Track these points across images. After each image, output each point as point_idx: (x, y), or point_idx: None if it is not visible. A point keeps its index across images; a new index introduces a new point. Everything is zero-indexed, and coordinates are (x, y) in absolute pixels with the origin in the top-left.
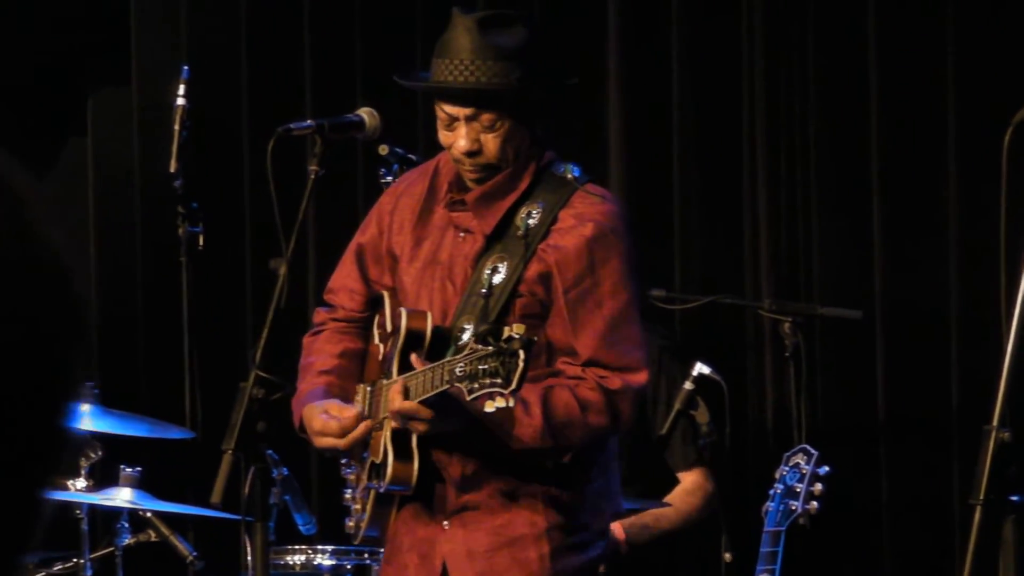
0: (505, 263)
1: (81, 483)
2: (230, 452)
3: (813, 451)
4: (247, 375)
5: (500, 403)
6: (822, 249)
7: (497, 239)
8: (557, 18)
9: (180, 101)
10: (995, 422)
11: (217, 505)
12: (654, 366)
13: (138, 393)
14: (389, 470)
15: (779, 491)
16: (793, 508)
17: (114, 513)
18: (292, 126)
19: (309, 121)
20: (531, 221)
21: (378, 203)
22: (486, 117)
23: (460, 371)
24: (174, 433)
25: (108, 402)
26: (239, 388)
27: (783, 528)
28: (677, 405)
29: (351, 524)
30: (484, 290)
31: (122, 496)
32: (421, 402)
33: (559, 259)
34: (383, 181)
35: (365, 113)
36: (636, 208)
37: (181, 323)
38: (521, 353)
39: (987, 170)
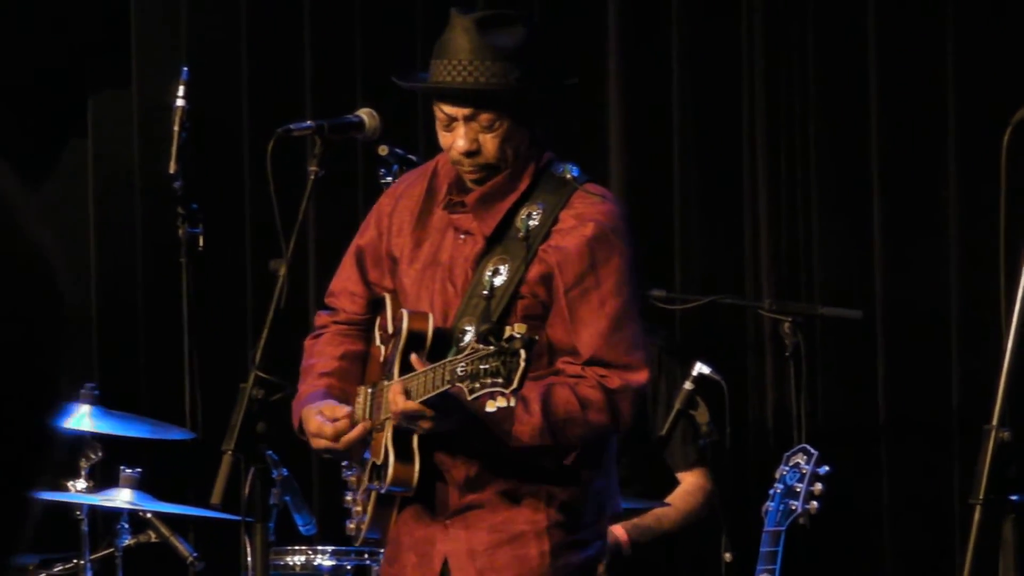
0: (506, 264)
1: (81, 484)
2: (230, 453)
3: (813, 451)
4: (247, 376)
5: (501, 403)
6: (822, 249)
7: (497, 240)
8: (557, 18)
9: (180, 102)
10: (995, 421)
11: (217, 506)
12: (654, 366)
13: (138, 394)
14: (390, 471)
15: (779, 491)
16: (793, 508)
17: (114, 514)
18: (292, 127)
19: (309, 122)
20: (532, 222)
21: (377, 205)
22: (485, 117)
23: (461, 371)
24: (174, 434)
25: (108, 403)
26: (239, 389)
27: (783, 528)
28: (677, 405)
29: (352, 526)
30: (485, 292)
31: (122, 497)
32: (422, 402)
33: (560, 259)
34: (383, 182)
35: (365, 114)
36: (636, 208)
37: (181, 324)
38: (522, 352)
39: (987, 170)
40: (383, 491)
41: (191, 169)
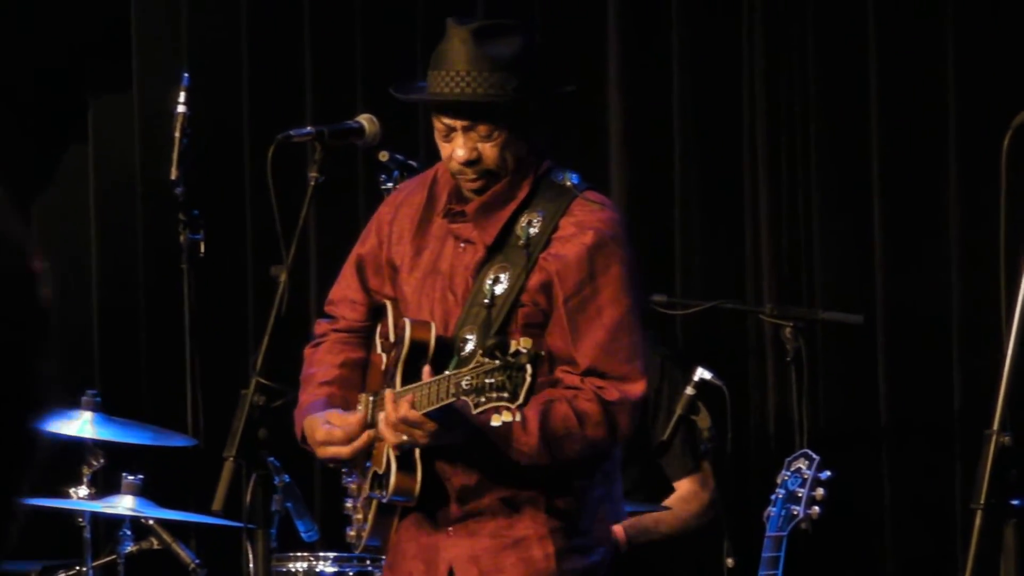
0: (507, 273)
1: (83, 491)
2: (231, 459)
3: (815, 456)
4: (248, 382)
5: (507, 417)
6: (823, 253)
7: (497, 249)
8: (556, 22)
9: (181, 108)
10: (996, 426)
11: (219, 512)
12: (657, 374)
13: (140, 401)
14: (392, 481)
15: (781, 496)
16: (795, 513)
17: (116, 521)
18: (292, 133)
19: (309, 128)
20: (532, 230)
21: (377, 213)
22: (483, 127)
23: (467, 384)
24: (176, 441)
25: (110, 410)
26: (240, 395)
27: (785, 533)
28: (679, 410)
29: (352, 533)
30: (486, 300)
31: (124, 504)
32: (425, 414)
33: (560, 268)
34: (383, 188)
35: (365, 120)
36: (637, 213)
37: (182, 330)
38: (528, 368)
39: (987, 173)
40: (385, 500)
41: (192, 175)
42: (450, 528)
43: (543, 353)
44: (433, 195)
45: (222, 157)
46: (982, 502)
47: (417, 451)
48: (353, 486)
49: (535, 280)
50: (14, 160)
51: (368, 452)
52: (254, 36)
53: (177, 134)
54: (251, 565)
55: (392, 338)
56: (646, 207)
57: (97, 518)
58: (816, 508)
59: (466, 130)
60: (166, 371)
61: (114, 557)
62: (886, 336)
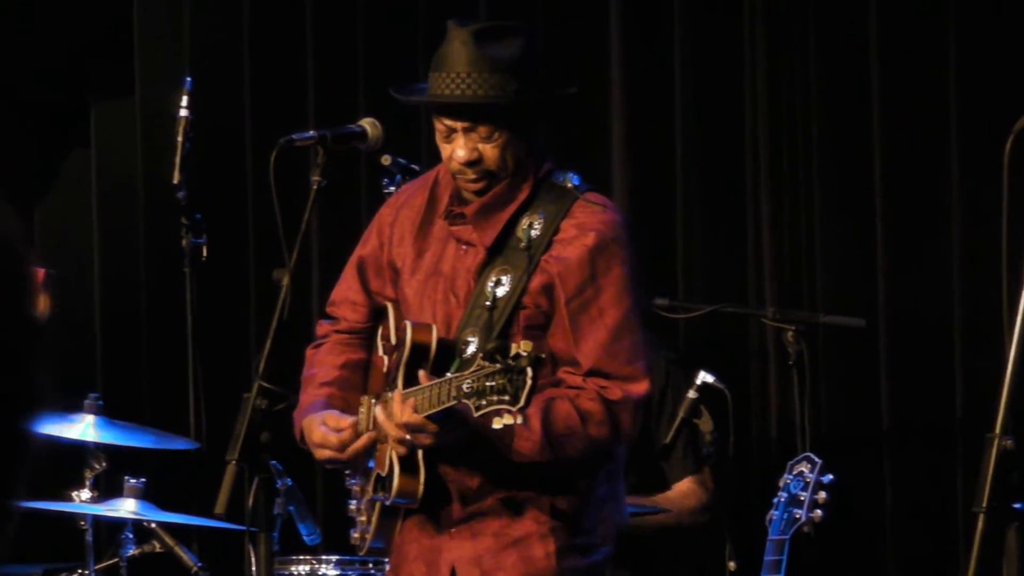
0: (508, 275)
1: (85, 494)
2: (234, 463)
3: (817, 459)
4: (251, 386)
5: (508, 420)
6: (825, 256)
7: (498, 251)
8: (559, 23)
9: (183, 112)
10: (998, 430)
11: (221, 516)
12: (661, 377)
13: (142, 404)
14: (395, 483)
15: (783, 499)
16: (797, 516)
17: (118, 524)
18: (294, 137)
19: (311, 132)
20: (533, 232)
21: (378, 215)
22: (483, 129)
23: (468, 387)
24: (178, 444)
25: (112, 413)
26: (243, 399)
27: (787, 537)
28: (681, 413)
29: (356, 535)
30: (488, 303)
31: (126, 507)
32: (427, 417)
33: (561, 270)
34: (386, 191)
35: (367, 123)
36: (639, 215)
37: (185, 334)
38: (529, 371)
39: (989, 176)
40: (388, 502)
41: (194, 179)
42: (452, 530)
43: (544, 356)
44: (434, 197)
45: (224, 161)
46: (984, 506)
47: (420, 453)
48: (357, 488)
49: (536, 282)
50: (16, 164)
51: (369, 454)
52: (256, 40)
53: (179, 138)
54: (253, 568)
55: (393, 340)
56: (648, 210)
57: (99, 521)
58: (818, 511)
59: (467, 131)
60: (168, 374)
61: (116, 560)
62: (888, 339)
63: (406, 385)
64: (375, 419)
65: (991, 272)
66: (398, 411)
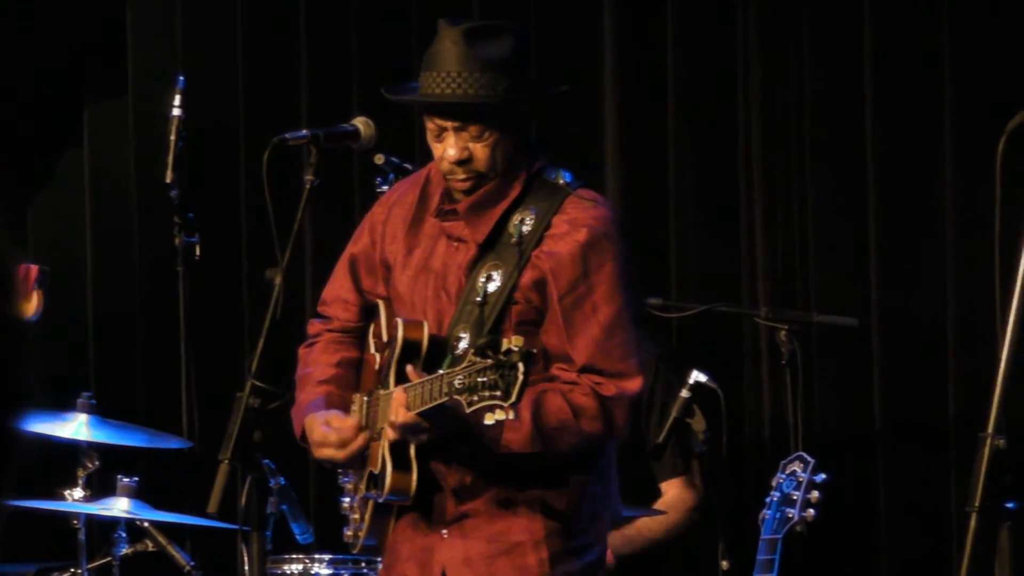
0: (499, 271)
1: (78, 493)
2: (227, 462)
3: (810, 458)
4: (243, 385)
5: (500, 416)
6: (818, 256)
7: (490, 247)
8: (552, 23)
9: (176, 111)
10: (990, 429)
11: (214, 515)
12: (651, 375)
13: (135, 403)
14: (388, 480)
15: (776, 499)
16: (790, 516)
17: (111, 523)
18: (287, 136)
19: (304, 131)
20: (525, 228)
21: (370, 213)
22: (474, 128)
23: (459, 383)
24: (171, 443)
25: (105, 412)
26: (235, 398)
27: (780, 536)
28: (674, 413)
29: (349, 533)
30: (479, 298)
31: (119, 506)
32: (420, 413)
33: (553, 265)
34: (379, 190)
35: (360, 123)
36: (632, 216)
37: (178, 333)
38: (520, 366)
39: (982, 176)
40: (381, 500)
41: (187, 178)
42: (445, 530)
43: (535, 351)
44: (426, 194)
45: (217, 160)
46: (977, 505)
47: (412, 450)
48: (350, 485)
49: (528, 277)
50: (9, 163)
51: (364, 452)
52: (249, 39)
53: (172, 137)
54: (246, 567)
55: (385, 338)
56: (641, 209)
57: (92, 520)
58: (811, 511)
59: (457, 130)
60: (161, 373)
61: (109, 559)
62: (881, 339)
63: (398, 382)
64: (371, 417)
65: (984, 272)
66: (393, 409)
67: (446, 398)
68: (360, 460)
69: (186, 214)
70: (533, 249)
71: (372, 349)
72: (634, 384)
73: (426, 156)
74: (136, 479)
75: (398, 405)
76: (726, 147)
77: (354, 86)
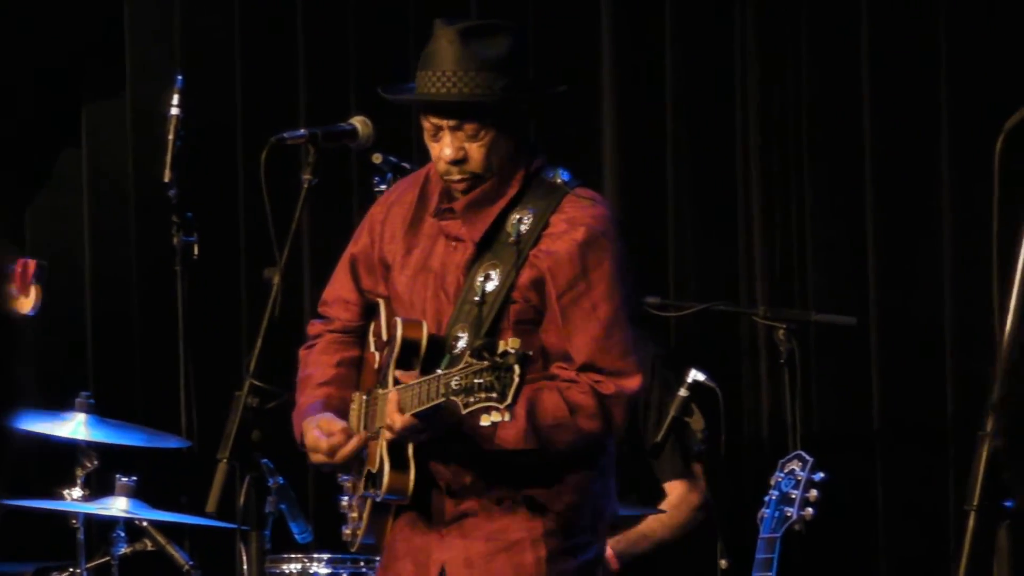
0: (497, 270)
1: (77, 493)
2: (225, 461)
3: (808, 457)
4: (242, 384)
5: (496, 417)
6: (816, 255)
7: (487, 246)
8: (549, 23)
9: (174, 111)
10: (988, 428)
11: (213, 514)
12: (648, 374)
13: (133, 403)
14: (386, 479)
15: (774, 498)
16: (788, 515)
17: (110, 522)
18: (285, 135)
19: (302, 130)
20: (522, 227)
21: (369, 213)
22: (470, 127)
23: (456, 384)
24: (169, 442)
25: (103, 412)
26: (234, 397)
27: (778, 535)
28: (672, 412)
29: (348, 532)
30: (477, 298)
31: (118, 505)
32: (415, 414)
33: (552, 264)
34: (377, 190)
35: (358, 122)
36: (630, 215)
37: (176, 332)
38: (516, 368)
39: (980, 176)
40: (379, 499)
41: (185, 178)
42: (443, 529)
43: (531, 353)
44: (425, 194)
45: (215, 159)
46: (975, 504)
47: (410, 449)
48: (348, 484)
49: (526, 276)
50: (8, 162)
51: (362, 451)
52: (247, 38)
53: (170, 136)
54: (245, 567)
55: (385, 337)
56: (639, 209)
57: (91, 520)
58: (809, 510)
59: (453, 130)
60: (160, 373)
61: (108, 559)
62: (879, 338)
63: (397, 382)
64: (370, 416)
65: (982, 271)
66: (389, 412)
67: (443, 399)
68: (358, 460)
69: (184, 213)
70: (531, 248)
71: (372, 348)
72: (633, 382)
73: (424, 155)
74: (135, 478)
75: (393, 409)
76: (724, 147)
77: (352, 85)
